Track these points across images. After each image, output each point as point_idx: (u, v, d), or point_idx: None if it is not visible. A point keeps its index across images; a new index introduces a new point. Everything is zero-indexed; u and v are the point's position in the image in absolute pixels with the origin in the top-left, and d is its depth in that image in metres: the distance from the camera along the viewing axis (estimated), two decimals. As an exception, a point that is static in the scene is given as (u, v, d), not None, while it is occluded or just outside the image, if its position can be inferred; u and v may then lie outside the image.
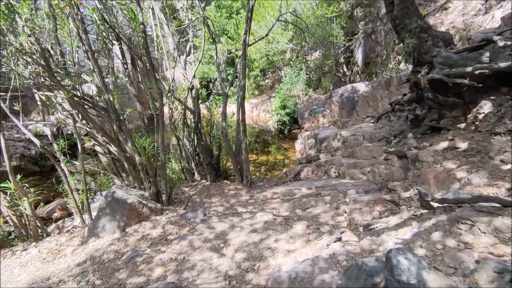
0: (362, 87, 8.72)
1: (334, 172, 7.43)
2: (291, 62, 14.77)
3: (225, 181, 7.23)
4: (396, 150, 5.21)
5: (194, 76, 6.97)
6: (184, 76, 7.26)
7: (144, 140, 5.04)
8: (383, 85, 7.99)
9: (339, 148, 8.09)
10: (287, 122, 14.21)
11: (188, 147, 7.25)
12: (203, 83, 21.31)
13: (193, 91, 7.12)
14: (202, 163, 7.16)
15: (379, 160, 6.15)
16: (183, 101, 6.98)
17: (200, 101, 7.91)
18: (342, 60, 11.90)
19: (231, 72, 20.06)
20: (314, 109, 12.67)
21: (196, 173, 7.38)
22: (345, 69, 12.15)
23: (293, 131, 14.46)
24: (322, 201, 5.39)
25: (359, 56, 10.90)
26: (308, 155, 9.03)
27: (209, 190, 6.66)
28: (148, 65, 5.32)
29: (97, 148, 6.04)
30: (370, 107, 8.26)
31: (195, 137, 7.13)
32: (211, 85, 21.40)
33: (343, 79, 12.27)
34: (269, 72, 20.35)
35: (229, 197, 6.26)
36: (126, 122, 5.63)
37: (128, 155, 5.34)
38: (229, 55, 17.75)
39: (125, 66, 6.82)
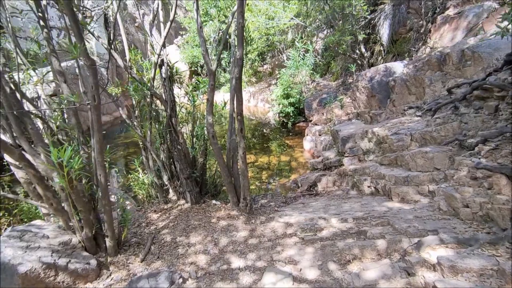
0: (399, 67, 6.51)
1: (369, 187, 5.26)
2: (296, 42, 12.51)
3: (213, 201, 5.02)
4: (504, 166, 3.02)
5: (163, 46, 4.66)
6: (153, 47, 4.96)
7: (61, 149, 2.75)
8: (434, 64, 5.75)
9: (371, 151, 5.89)
10: (291, 114, 11.97)
11: (159, 154, 4.99)
12: (192, 68, 18.84)
13: (164, 69, 4.84)
14: (179, 176, 4.92)
15: (451, 176, 3.96)
16: (149, 83, 4.71)
17: (178, 85, 5.62)
18: (361, 37, 9.68)
19: (226, 56, 17.65)
20: (326, 98, 10.42)
21: (170, 190, 5.13)
22: (363, 50, 9.93)
23: (298, 124, 12.23)
24: (372, 249, 3.23)
25: (384, 31, 8.69)
26: (325, 159, 6.83)
27: (188, 219, 4.44)
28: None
29: (9, 159, 3.72)
30: (411, 95, 6.06)
31: (169, 139, 4.87)
32: (202, 71, 18.96)
33: (359, 62, 10.07)
34: (268, 57, 17.97)
35: (218, 232, 4.05)
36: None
37: (40, 174, 3.08)
38: (221, 31, 15.36)
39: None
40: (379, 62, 9.66)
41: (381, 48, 9.49)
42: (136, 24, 20.18)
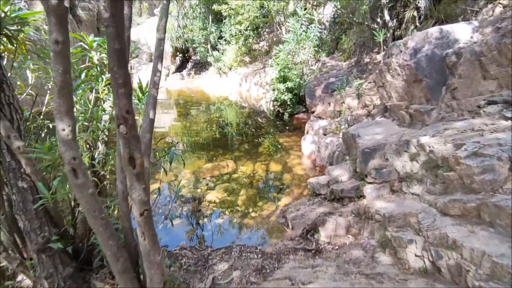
0: (464, 32, 3.82)
1: (420, 258, 2.73)
2: (297, 9, 9.70)
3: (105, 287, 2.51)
4: None
5: None
6: None
7: None
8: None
9: (417, 179, 3.35)
10: (288, 103, 9.33)
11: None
12: (181, 43, 15.99)
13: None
14: (26, 246, 2.39)
15: None
16: None
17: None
18: (384, 1, 6.96)
19: (213, 30, 14.79)
20: (334, 83, 7.76)
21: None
22: (387, 17, 7.20)
23: (296, 116, 9.61)
24: None
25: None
26: (333, 181, 4.26)
27: None
28: None
29: None
30: (489, 80, 3.43)
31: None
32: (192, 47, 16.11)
33: (379, 36, 7.31)
34: (265, 32, 15.10)
35: None
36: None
37: None
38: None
39: None
40: (410, 33, 6.90)
41: (415, 13, 6.72)
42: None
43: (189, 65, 16.34)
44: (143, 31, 16.03)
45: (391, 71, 4.36)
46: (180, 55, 15.81)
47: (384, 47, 7.27)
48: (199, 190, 5.52)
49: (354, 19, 8.27)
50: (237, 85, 14.00)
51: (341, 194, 3.90)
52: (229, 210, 4.84)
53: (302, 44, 9.43)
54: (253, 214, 4.76)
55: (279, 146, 7.61)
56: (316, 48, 9.97)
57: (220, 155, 7.19)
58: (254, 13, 12.38)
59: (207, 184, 5.74)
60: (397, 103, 4.42)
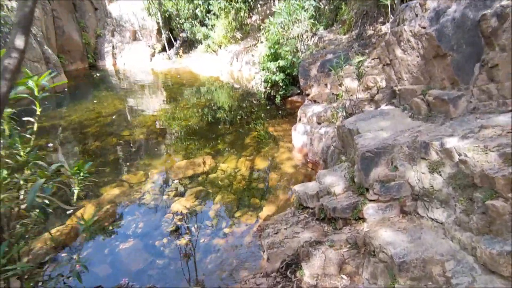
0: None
1: None
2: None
3: None
4: None
5: None
6: None
7: None
8: None
9: (440, 199, 2.32)
10: (281, 84, 8.19)
11: None
12: (166, 19, 14.53)
13: None
14: None
15: None
16: None
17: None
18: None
19: (201, 2, 13.36)
20: (331, 61, 6.60)
21: None
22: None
23: (290, 98, 8.49)
24: None
25: None
26: (325, 192, 3.25)
27: None
28: None
29: None
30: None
31: None
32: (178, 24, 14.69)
33: (386, 8, 6.05)
34: (258, 5, 13.64)
35: None
36: None
37: None
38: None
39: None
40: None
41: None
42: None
43: (177, 43, 15.00)
44: (125, 6, 14.59)
45: (402, 43, 3.24)
46: (167, 32, 14.46)
47: (391, 15, 6.05)
48: (165, 197, 4.56)
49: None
50: (228, 64, 12.78)
51: (333, 214, 2.90)
52: (196, 225, 3.88)
53: (295, 16, 8.16)
54: (226, 231, 3.81)
55: (268, 137, 6.57)
56: (312, 20, 8.69)
57: (199, 149, 6.19)
58: None
59: (176, 188, 4.77)
60: (409, 87, 3.32)
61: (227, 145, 6.32)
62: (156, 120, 8.03)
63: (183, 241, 3.61)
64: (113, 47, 14.58)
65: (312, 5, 8.24)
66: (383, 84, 4.60)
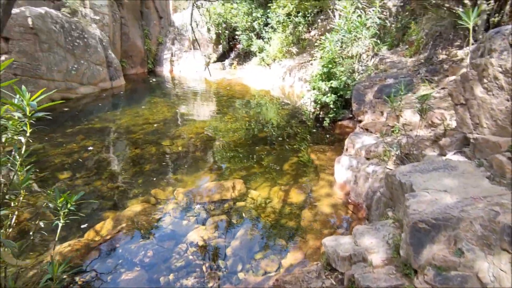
0: None
1: None
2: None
3: None
4: None
5: None
6: None
7: None
8: None
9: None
10: (331, 106, 7.52)
11: None
12: (222, 31, 14.76)
13: None
14: None
15: None
16: None
17: None
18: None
19: (259, 15, 13.26)
20: (391, 86, 5.80)
21: None
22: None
23: (340, 122, 7.76)
24: None
25: None
26: (359, 255, 2.59)
27: None
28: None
29: None
30: None
31: None
32: (236, 35, 14.75)
33: (467, 20, 5.12)
34: (319, 20, 13.10)
35: None
36: None
37: None
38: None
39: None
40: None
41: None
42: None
43: (233, 54, 15.08)
44: (188, 16, 15.13)
45: (485, 80, 2.47)
46: (224, 43, 14.62)
47: (472, 40, 5.09)
48: (184, 222, 4.22)
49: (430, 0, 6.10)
50: (280, 79, 12.39)
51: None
52: (207, 265, 3.45)
53: (355, 34, 7.47)
54: (240, 276, 3.32)
55: (309, 165, 5.95)
56: (374, 39, 7.91)
57: (232, 170, 5.83)
58: None
59: (198, 214, 4.42)
60: (491, 137, 2.52)
61: (263, 169, 5.84)
62: (197, 132, 7.90)
63: (189, 281, 3.19)
64: (172, 55, 15.19)
65: (375, 22, 7.47)
66: (452, 123, 3.76)
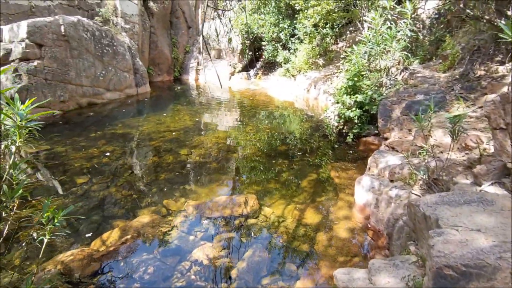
0: None
1: None
2: (384, 0, 7.39)
3: None
4: None
5: None
6: None
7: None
8: None
9: None
10: (356, 121, 7.17)
11: None
12: (248, 41, 14.80)
13: None
14: None
15: None
16: None
17: None
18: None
19: (286, 26, 13.15)
20: (420, 103, 5.40)
21: None
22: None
23: (364, 138, 7.37)
24: None
25: None
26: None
27: None
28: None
29: None
30: None
31: None
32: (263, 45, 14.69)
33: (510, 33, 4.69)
34: (348, 31, 12.78)
35: None
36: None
37: None
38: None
39: None
40: None
41: None
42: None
43: (258, 64, 15.05)
44: (216, 26, 15.35)
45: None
46: (250, 53, 14.62)
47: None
48: (191, 238, 4.05)
49: (468, 11, 5.66)
50: (305, 91, 12.13)
51: None
52: (209, 287, 3.23)
53: (384, 46, 7.12)
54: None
55: (329, 183, 5.62)
56: (405, 53, 7.50)
57: (246, 183, 5.63)
58: (328, 5, 10.21)
59: (206, 229, 4.24)
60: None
61: (279, 185, 5.59)
62: (217, 142, 7.80)
63: (188, 307, 2.99)
64: (198, 63, 15.40)
65: (406, 35, 7.08)
66: (490, 147, 3.35)
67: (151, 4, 12.70)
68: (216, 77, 15.21)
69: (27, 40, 7.67)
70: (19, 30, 7.73)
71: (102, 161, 6.50)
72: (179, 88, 14.11)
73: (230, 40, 13.18)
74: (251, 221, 4.47)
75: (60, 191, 5.29)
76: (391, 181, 4.40)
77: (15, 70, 7.32)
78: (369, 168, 5.23)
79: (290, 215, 4.64)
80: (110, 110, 10.07)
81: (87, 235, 4.10)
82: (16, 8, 8.91)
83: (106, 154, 6.72)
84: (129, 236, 3.93)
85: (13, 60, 7.57)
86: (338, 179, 5.66)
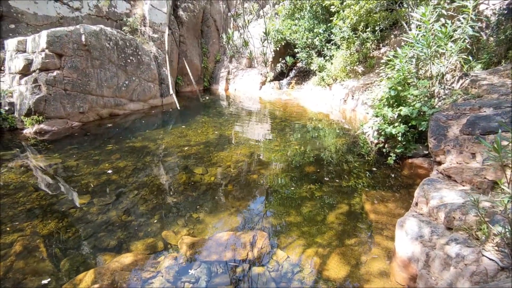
0: None
1: None
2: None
3: None
4: None
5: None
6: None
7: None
8: None
9: None
10: (400, 139, 5.92)
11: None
12: (282, 48, 13.89)
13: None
14: None
15: None
16: None
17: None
18: None
19: (321, 31, 12.10)
20: (489, 119, 4.11)
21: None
22: None
23: (410, 160, 6.07)
24: None
25: None
26: None
27: None
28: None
29: None
30: None
31: None
32: (297, 53, 13.73)
33: None
34: (392, 34, 11.38)
35: None
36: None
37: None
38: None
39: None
40: None
41: None
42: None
43: (291, 73, 14.09)
44: (248, 34, 14.78)
45: None
46: (282, 61, 13.75)
47: None
48: (176, 292, 3.20)
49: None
50: (341, 101, 10.93)
51: None
52: None
53: (437, 48, 5.82)
54: None
55: (362, 219, 4.48)
56: (464, 55, 6.11)
57: (260, 216, 4.68)
58: (368, 4, 8.94)
59: (196, 281, 3.35)
60: None
61: (300, 218, 4.57)
62: (237, 160, 6.97)
63: None
64: (228, 73, 14.86)
65: (466, 33, 5.73)
66: None
67: (180, 13, 12.44)
68: (246, 87, 14.59)
69: (46, 50, 7.58)
70: (40, 40, 7.68)
71: (111, 179, 5.99)
72: (207, 98, 13.63)
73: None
74: (257, 269, 3.52)
75: (55, 215, 4.76)
76: (449, 228, 3.19)
77: (35, 80, 7.20)
78: (416, 204, 4.02)
79: (309, 262, 3.62)
80: (132, 121, 9.75)
81: (64, 277, 3.43)
82: (44, 19, 9.01)
83: (110, 171, 6.19)
84: (103, 283, 3.18)
85: (34, 71, 7.51)
86: (374, 215, 4.50)
